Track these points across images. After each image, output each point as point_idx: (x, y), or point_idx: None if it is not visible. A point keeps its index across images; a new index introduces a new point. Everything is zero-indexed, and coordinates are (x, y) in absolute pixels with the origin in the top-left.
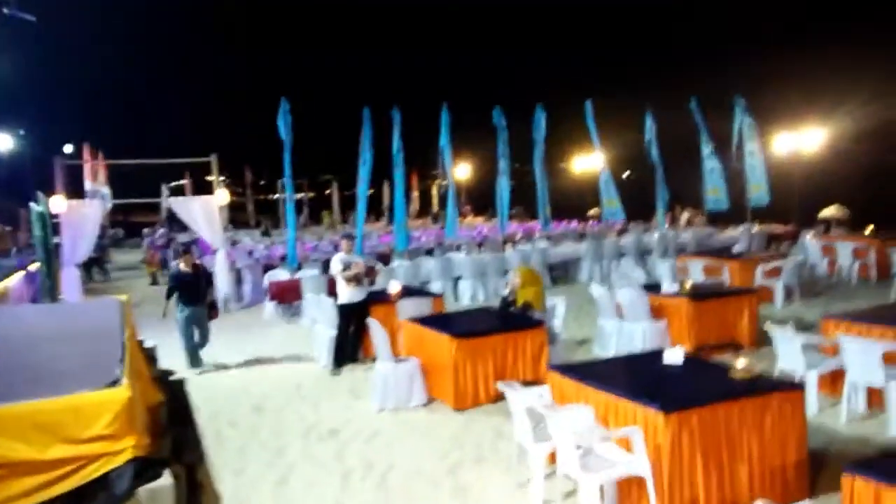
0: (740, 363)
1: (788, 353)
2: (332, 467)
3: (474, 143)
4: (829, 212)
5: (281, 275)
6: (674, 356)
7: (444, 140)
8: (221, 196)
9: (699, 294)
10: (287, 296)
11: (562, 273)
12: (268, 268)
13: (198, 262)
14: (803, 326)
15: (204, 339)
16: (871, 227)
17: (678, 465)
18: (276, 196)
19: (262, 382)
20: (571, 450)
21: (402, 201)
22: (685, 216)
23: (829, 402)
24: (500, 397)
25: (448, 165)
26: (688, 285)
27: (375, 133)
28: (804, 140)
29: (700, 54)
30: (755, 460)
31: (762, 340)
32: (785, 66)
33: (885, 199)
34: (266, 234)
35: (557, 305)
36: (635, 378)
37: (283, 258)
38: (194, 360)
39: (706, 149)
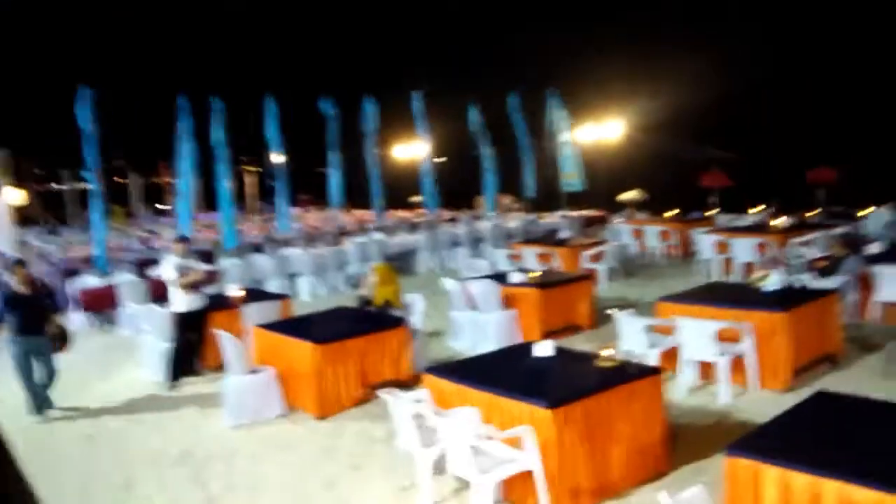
0: (605, 352)
1: (631, 335)
2: (193, 496)
3: (301, 134)
4: (630, 195)
5: (91, 281)
6: (543, 349)
7: (270, 131)
8: (11, 195)
9: (546, 282)
10: (100, 304)
11: (400, 265)
12: (69, 273)
13: (37, 277)
14: (627, 305)
15: (50, 378)
16: (675, 211)
17: (564, 456)
18: (62, 187)
19: (88, 404)
20: (464, 452)
21: (226, 195)
22: (505, 203)
23: (666, 376)
24: (365, 400)
25: (272, 156)
26: (533, 275)
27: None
28: (606, 130)
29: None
30: (626, 442)
31: (599, 321)
32: (585, 59)
33: (677, 184)
34: (54, 232)
35: (416, 302)
36: (514, 374)
37: (87, 261)
38: (39, 404)
39: (526, 139)
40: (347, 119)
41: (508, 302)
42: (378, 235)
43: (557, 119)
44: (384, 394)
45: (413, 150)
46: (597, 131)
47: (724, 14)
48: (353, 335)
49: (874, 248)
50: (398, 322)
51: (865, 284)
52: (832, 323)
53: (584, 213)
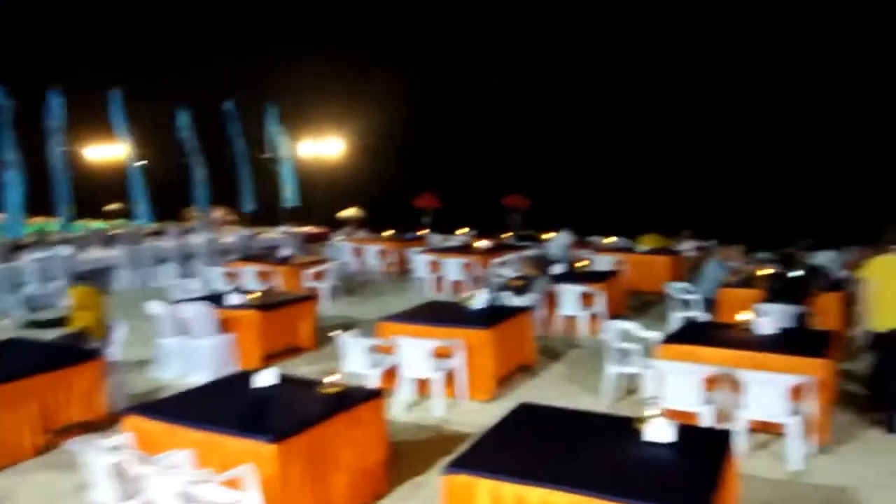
0: (328, 378)
1: (354, 356)
2: None
3: None
4: (349, 213)
5: None
6: (265, 378)
7: None
8: None
9: (266, 304)
10: None
11: (95, 284)
12: None
13: None
14: (350, 324)
15: None
16: (391, 231)
17: (287, 492)
18: None
19: None
20: (173, 502)
21: None
22: (218, 216)
23: (385, 394)
24: (48, 449)
25: None
26: (253, 296)
27: None
28: (326, 147)
29: (240, 54)
30: (349, 468)
31: (321, 341)
32: (305, 73)
33: (393, 204)
34: None
35: (115, 328)
36: (232, 408)
37: None
38: None
39: (244, 152)
40: (28, 113)
41: (225, 326)
42: (64, 249)
43: (275, 132)
44: (73, 443)
45: (111, 152)
46: (317, 147)
47: (434, 46)
48: (31, 372)
49: (557, 269)
50: (90, 354)
51: (551, 301)
52: (527, 336)
53: (306, 229)
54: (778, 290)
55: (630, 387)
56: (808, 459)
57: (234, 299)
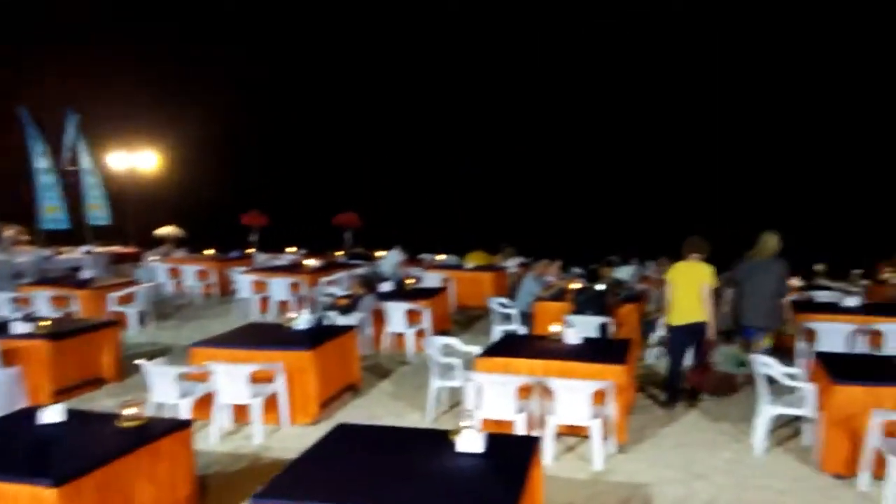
0: (126, 412)
1: (162, 386)
2: None
3: None
4: (166, 231)
5: None
6: (51, 414)
7: None
8: None
9: (59, 332)
10: None
11: None
12: None
13: None
14: (161, 350)
15: None
16: (212, 250)
17: None
18: None
19: None
20: None
21: None
22: (8, 234)
23: (200, 424)
24: None
25: None
26: (44, 323)
27: None
28: (139, 160)
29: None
30: None
31: (127, 371)
32: (113, 82)
33: (215, 221)
34: None
35: None
36: (11, 450)
37: None
38: None
39: (41, 163)
40: None
41: (10, 358)
42: None
43: (78, 142)
44: None
45: None
46: (128, 160)
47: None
48: None
49: (386, 287)
50: None
51: (379, 319)
52: (353, 356)
53: (113, 249)
54: (584, 303)
55: (454, 400)
56: (610, 459)
57: (21, 328)
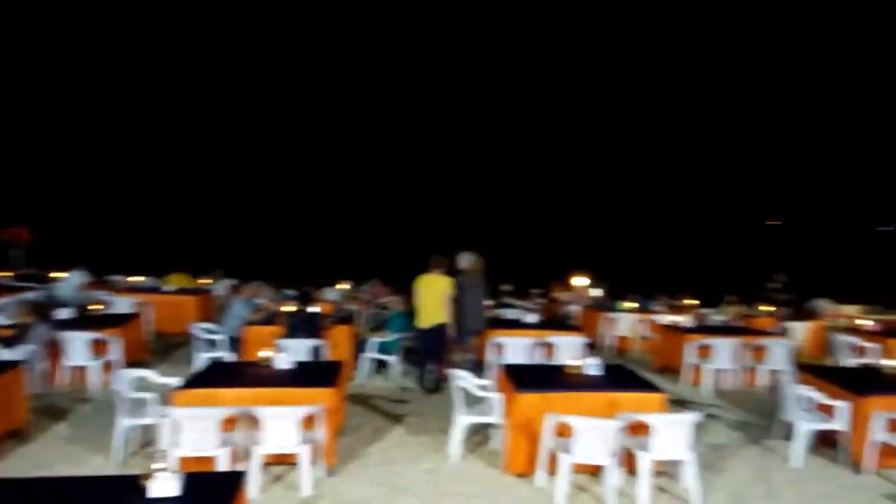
0: None
1: None
2: None
3: None
4: None
5: None
6: None
7: None
8: None
9: None
10: None
11: None
12: None
13: None
14: None
15: None
16: None
17: None
18: None
19: None
20: None
21: None
22: None
23: None
24: None
25: None
26: None
27: None
28: None
29: None
30: None
31: None
32: None
33: None
34: None
35: None
36: None
37: None
38: None
39: None
40: None
41: None
42: None
43: None
44: None
45: None
46: None
47: None
48: None
49: (64, 314)
50: None
51: (55, 351)
52: (17, 396)
53: None
54: (296, 326)
55: (147, 439)
56: (319, 483)
57: None
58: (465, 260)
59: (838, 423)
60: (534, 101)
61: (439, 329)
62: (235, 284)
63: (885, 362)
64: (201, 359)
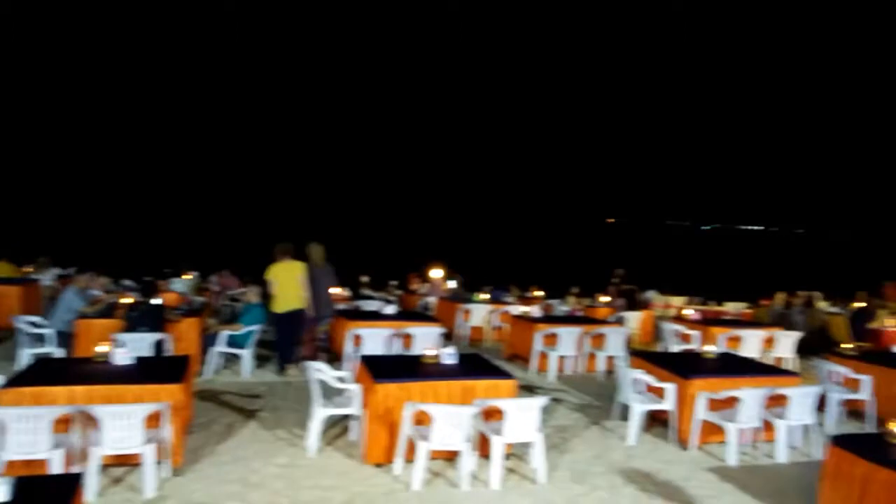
0: None
1: None
2: None
3: None
4: None
5: None
6: None
7: None
8: None
9: None
10: None
11: None
12: None
13: None
14: None
15: None
16: None
17: None
18: None
19: None
20: None
21: None
22: None
23: None
24: None
25: None
26: None
27: None
28: None
29: None
30: None
31: None
32: None
33: None
34: None
35: None
36: None
37: None
38: None
39: None
40: None
41: None
42: None
43: None
44: None
45: None
46: None
47: None
48: None
49: None
50: None
51: None
52: None
53: None
54: (137, 319)
55: None
56: (164, 484)
57: None
58: (314, 250)
59: (667, 404)
60: (393, 97)
61: (299, 313)
62: (64, 274)
63: (705, 348)
64: (26, 355)
